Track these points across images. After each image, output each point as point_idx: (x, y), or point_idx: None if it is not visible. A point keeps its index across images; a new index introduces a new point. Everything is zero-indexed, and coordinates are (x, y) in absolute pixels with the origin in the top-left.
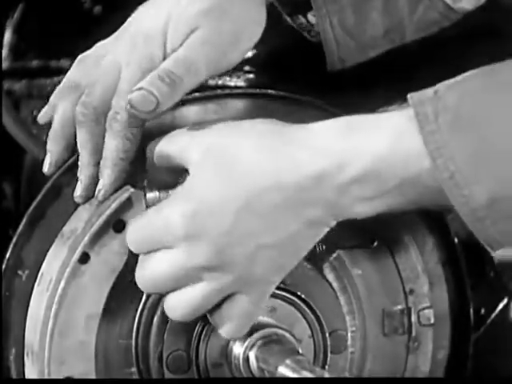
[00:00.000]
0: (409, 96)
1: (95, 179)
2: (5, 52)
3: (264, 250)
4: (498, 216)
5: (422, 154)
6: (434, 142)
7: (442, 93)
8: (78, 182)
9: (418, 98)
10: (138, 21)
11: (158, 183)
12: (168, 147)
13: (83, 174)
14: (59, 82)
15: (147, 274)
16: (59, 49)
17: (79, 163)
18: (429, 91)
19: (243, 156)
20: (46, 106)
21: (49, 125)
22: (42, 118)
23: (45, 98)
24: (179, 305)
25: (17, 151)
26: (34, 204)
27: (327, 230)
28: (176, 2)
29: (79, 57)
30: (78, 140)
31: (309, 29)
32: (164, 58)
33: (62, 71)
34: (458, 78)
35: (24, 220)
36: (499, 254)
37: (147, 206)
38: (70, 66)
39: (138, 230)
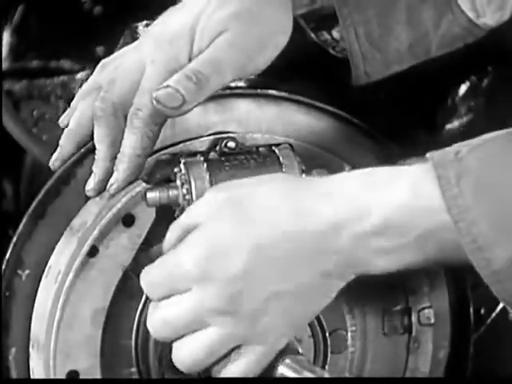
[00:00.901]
0: (429, 156)
1: (109, 173)
2: (5, 52)
3: (275, 298)
4: None
5: (443, 209)
6: (457, 206)
7: (464, 155)
8: (92, 176)
9: (439, 160)
10: (164, 23)
11: (158, 183)
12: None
13: (98, 167)
14: (59, 82)
15: (158, 317)
16: (59, 49)
17: (95, 157)
18: (450, 152)
19: (260, 201)
20: (68, 109)
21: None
22: (63, 120)
23: (45, 98)
24: (188, 352)
25: (17, 151)
26: (34, 204)
27: (342, 285)
28: (205, 4)
29: (102, 61)
30: (95, 135)
31: (333, 45)
32: (190, 59)
33: (62, 71)
34: (480, 139)
35: (24, 220)
36: None
37: (148, 206)
38: (70, 66)
39: (151, 272)
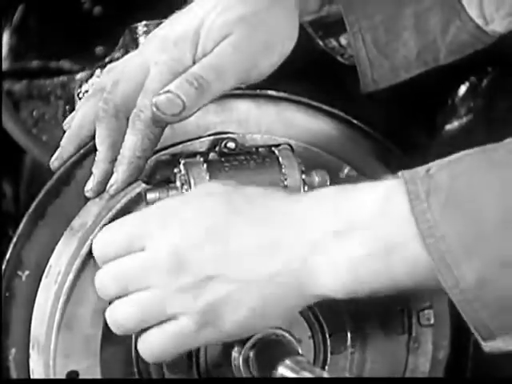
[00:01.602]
0: (400, 174)
1: (108, 175)
2: (5, 52)
3: (217, 280)
4: (488, 299)
5: (412, 224)
6: (425, 221)
7: (434, 171)
8: (91, 177)
9: (409, 176)
10: (170, 26)
11: (158, 184)
12: None
13: (98, 168)
14: (59, 82)
15: (107, 273)
16: (59, 49)
17: (96, 158)
18: (421, 170)
19: (233, 195)
20: (73, 113)
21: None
22: (67, 123)
23: (45, 99)
24: (123, 310)
25: (17, 151)
26: (34, 204)
27: (291, 304)
28: (211, 7)
29: (108, 66)
30: (96, 136)
31: (341, 52)
32: (194, 62)
33: (62, 71)
34: (451, 157)
35: (24, 220)
36: (489, 347)
37: (148, 205)
38: (70, 66)
39: (105, 235)
